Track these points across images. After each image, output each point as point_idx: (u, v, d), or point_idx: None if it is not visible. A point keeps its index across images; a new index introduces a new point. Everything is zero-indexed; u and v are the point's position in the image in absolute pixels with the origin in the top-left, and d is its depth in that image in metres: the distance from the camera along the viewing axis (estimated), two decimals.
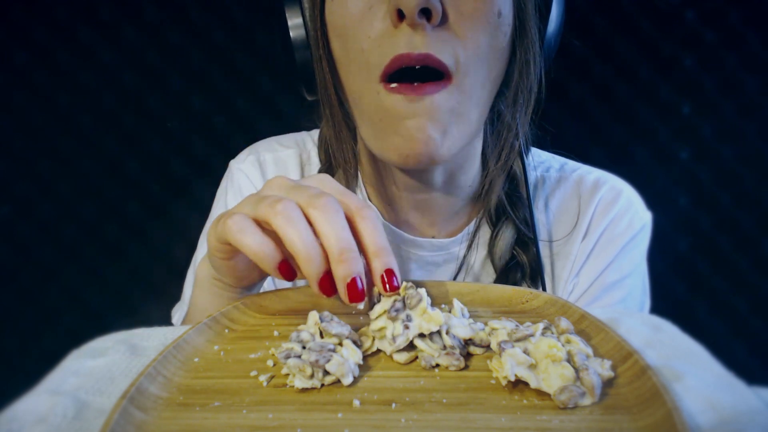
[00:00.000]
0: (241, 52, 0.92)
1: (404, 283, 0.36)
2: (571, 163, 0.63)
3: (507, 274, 0.56)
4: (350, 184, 0.56)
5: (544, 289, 0.54)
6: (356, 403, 0.29)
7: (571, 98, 0.92)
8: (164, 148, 0.95)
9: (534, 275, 0.56)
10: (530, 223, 0.56)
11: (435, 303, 0.38)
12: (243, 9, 0.91)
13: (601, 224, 0.58)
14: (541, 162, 0.62)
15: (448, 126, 0.45)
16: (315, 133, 0.65)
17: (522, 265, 0.56)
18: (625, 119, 0.93)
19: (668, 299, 0.97)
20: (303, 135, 0.66)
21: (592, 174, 0.61)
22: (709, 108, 0.92)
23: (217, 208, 0.64)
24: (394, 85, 0.44)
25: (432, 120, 0.44)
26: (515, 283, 0.55)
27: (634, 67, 0.90)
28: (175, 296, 0.93)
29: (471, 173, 0.56)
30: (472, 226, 0.58)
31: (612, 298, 0.57)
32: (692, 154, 0.94)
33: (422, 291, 0.35)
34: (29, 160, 0.94)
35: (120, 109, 0.93)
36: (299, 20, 0.49)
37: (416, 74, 0.44)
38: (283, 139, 0.66)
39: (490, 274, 0.57)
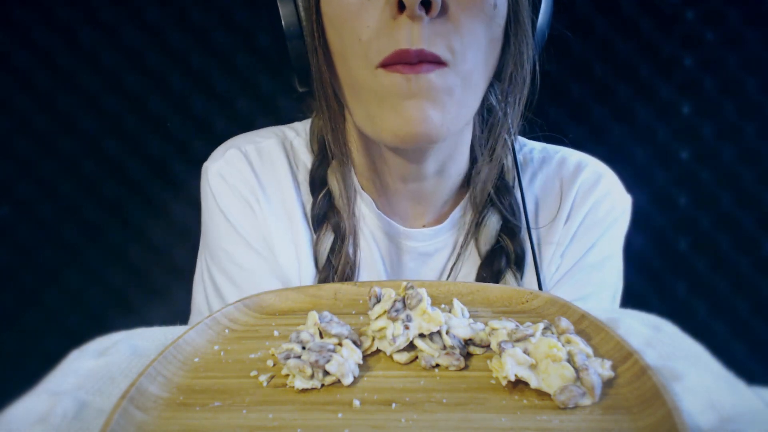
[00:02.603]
0: (242, 52, 0.92)
1: (404, 283, 0.36)
2: (553, 146, 0.64)
3: (492, 260, 0.56)
4: (346, 174, 0.56)
5: (539, 283, 0.55)
6: (356, 403, 0.29)
7: (571, 98, 0.92)
8: (165, 148, 0.95)
9: (519, 262, 0.56)
10: (517, 211, 0.57)
11: (435, 303, 0.38)
12: (243, 9, 0.91)
13: (583, 207, 0.59)
14: (523, 144, 0.63)
15: (445, 106, 0.46)
16: (297, 125, 0.64)
17: (507, 251, 0.56)
18: (625, 119, 0.93)
19: (668, 299, 0.97)
20: (278, 127, 0.64)
21: (574, 156, 0.62)
22: (709, 108, 0.92)
23: (212, 222, 0.59)
24: (391, 66, 0.45)
25: (430, 100, 0.45)
26: (499, 270, 0.55)
27: (634, 67, 0.91)
28: (175, 296, 0.93)
29: (461, 163, 0.57)
30: (457, 211, 0.59)
31: (590, 279, 0.58)
32: (692, 154, 0.94)
33: (422, 291, 0.35)
34: (29, 161, 0.94)
35: (120, 110, 0.93)
36: (293, 11, 0.49)
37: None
38: (256, 133, 0.63)
39: (475, 259, 0.57)
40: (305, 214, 0.59)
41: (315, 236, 0.57)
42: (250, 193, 0.58)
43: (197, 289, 0.63)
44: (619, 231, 0.61)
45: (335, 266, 0.54)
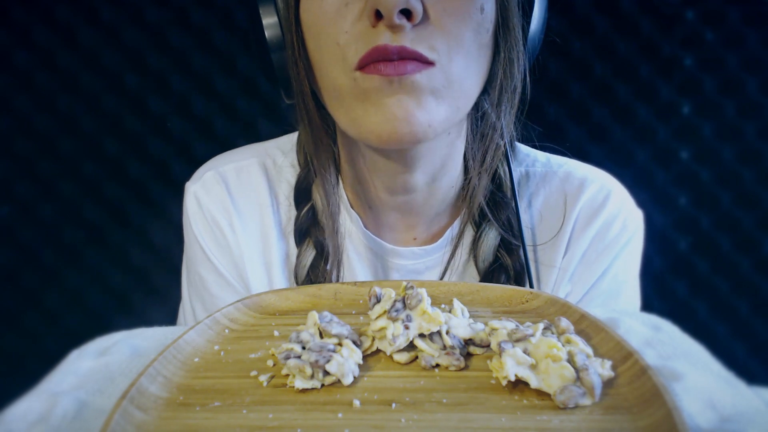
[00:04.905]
0: (242, 52, 0.92)
1: (404, 283, 0.36)
2: (558, 157, 0.61)
3: (491, 276, 0.54)
4: (330, 189, 0.54)
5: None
6: (356, 403, 0.29)
7: (571, 98, 0.92)
8: (165, 149, 0.95)
9: (518, 278, 0.54)
10: (515, 226, 0.54)
11: (435, 303, 0.38)
12: (243, 10, 0.91)
13: (590, 228, 0.56)
14: (526, 155, 0.60)
15: (430, 105, 0.43)
16: (281, 139, 0.63)
17: (506, 267, 0.54)
18: (625, 119, 0.93)
19: (668, 299, 0.97)
20: (262, 144, 0.63)
21: (580, 171, 0.59)
22: (709, 108, 0.92)
23: (189, 243, 0.60)
24: (370, 66, 0.42)
25: (413, 97, 0.43)
26: None
27: (634, 67, 0.91)
28: (175, 296, 0.93)
29: (453, 174, 0.55)
30: (454, 229, 0.56)
31: (606, 305, 0.56)
32: (692, 154, 0.94)
33: (422, 291, 0.35)
34: (29, 161, 0.94)
35: (121, 111, 0.93)
36: (276, 23, 0.48)
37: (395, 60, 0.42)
38: (238, 151, 0.62)
39: (474, 277, 0.56)
40: (283, 234, 0.58)
41: (297, 251, 0.55)
42: (224, 218, 0.57)
43: (180, 308, 0.64)
44: (634, 253, 0.58)
45: (315, 283, 0.53)
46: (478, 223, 0.55)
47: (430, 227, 0.57)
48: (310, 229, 0.55)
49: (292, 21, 0.46)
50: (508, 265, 0.54)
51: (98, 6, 0.90)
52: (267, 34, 0.48)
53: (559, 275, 0.56)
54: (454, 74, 0.44)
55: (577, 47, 0.89)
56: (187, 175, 0.76)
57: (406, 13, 0.41)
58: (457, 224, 0.57)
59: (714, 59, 0.90)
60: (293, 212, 0.57)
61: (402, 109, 0.43)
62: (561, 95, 0.92)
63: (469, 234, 0.56)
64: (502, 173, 0.56)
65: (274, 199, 0.59)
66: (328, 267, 0.54)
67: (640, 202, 0.61)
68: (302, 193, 0.56)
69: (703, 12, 0.89)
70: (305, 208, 0.55)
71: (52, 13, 0.90)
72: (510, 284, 0.52)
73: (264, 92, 0.93)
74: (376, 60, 0.42)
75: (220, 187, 0.58)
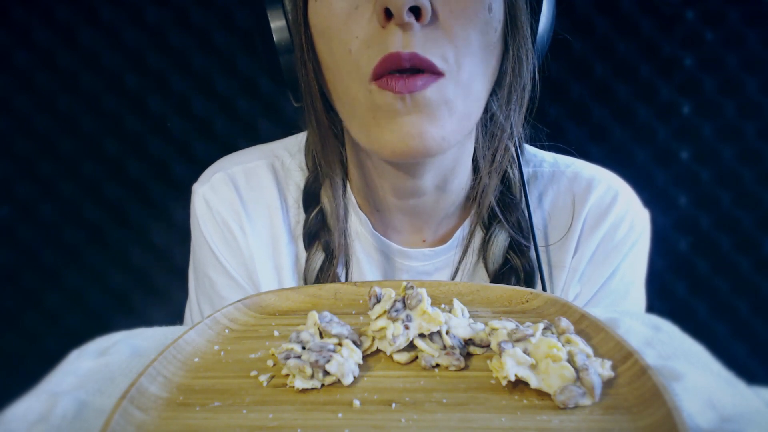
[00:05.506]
0: (242, 52, 0.92)
1: (404, 283, 0.36)
2: (565, 158, 0.61)
3: (501, 278, 0.54)
4: (338, 191, 0.54)
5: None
6: (356, 403, 0.29)
7: (571, 98, 0.92)
8: (165, 149, 0.95)
9: (528, 279, 0.54)
10: (524, 228, 0.54)
11: (435, 303, 0.38)
12: (243, 10, 0.91)
13: (599, 228, 0.56)
14: (533, 155, 0.60)
15: (444, 119, 0.44)
16: (287, 141, 0.62)
17: (516, 269, 0.54)
18: (625, 119, 0.93)
19: (668, 299, 0.97)
20: (269, 145, 0.63)
21: (587, 171, 0.59)
22: (709, 108, 0.92)
23: (198, 245, 0.60)
24: (384, 79, 0.43)
25: (426, 115, 0.43)
26: None
27: (634, 67, 0.91)
28: (175, 296, 0.94)
29: (463, 177, 0.55)
30: (464, 230, 0.57)
31: (615, 305, 0.56)
32: (692, 154, 0.94)
33: (422, 291, 0.35)
34: (30, 161, 0.94)
35: (121, 111, 0.93)
36: (283, 24, 0.47)
37: (407, 71, 0.43)
38: (245, 152, 0.62)
39: (483, 279, 0.56)
40: (292, 236, 0.58)
41: (306, 254, 0.55)
42: (234, 220, 0.57)
43: (186, 310, 0.63)
44: (641, 254, 0.58)
45: None
46: (488, 224, 0.55)
47: (439, 229, 0.57)
48: (319, 232, 0.55)
49: (300, 23, 0.46)
50: (518, 266, 0.54)
51: (98, 6, 0.90)
52: (275, 37, 0.48)
53: (568, 276, 0.56)
54: (464, 80, 0.44)
55: (577, 47, 0.89)
56: (187, 175, 0.77)
57: (416, 12, 0.41)
58: (466, 225, 0.57)
59: (714, 59, 0.90)
60: (302, 215, 0.57)
61: (416, 127, 0.43)
62: (561, 95, 0.92)
63: (478, 235, 0.56)
64: (511, 174, 0.56)
65: (284, 201, 0.59)
66: (338, 270, 0.54)
67: (641, 202, 0.61)
68: (311, 196, 0.56)
69: (703, 12, 0.89)
70: (314, 212, 0.55)
71: (52, 13, 0.90)
72: (520, 286, 0.53)
73: (264, 92, 0.93)
74: (389, 69, 0.42)
75: (229, 189, 0.58)
